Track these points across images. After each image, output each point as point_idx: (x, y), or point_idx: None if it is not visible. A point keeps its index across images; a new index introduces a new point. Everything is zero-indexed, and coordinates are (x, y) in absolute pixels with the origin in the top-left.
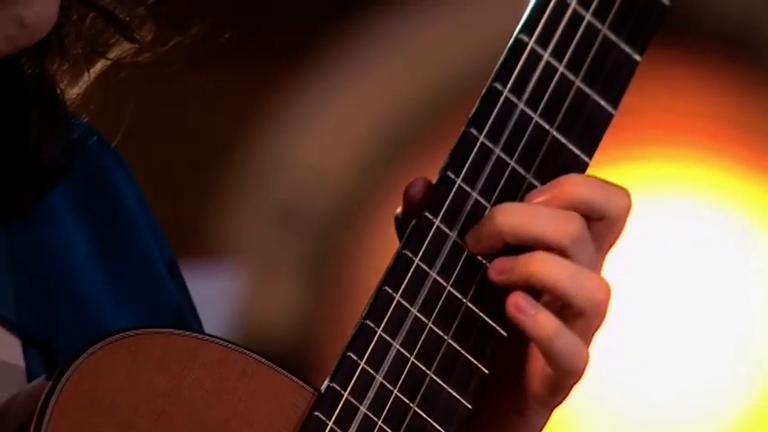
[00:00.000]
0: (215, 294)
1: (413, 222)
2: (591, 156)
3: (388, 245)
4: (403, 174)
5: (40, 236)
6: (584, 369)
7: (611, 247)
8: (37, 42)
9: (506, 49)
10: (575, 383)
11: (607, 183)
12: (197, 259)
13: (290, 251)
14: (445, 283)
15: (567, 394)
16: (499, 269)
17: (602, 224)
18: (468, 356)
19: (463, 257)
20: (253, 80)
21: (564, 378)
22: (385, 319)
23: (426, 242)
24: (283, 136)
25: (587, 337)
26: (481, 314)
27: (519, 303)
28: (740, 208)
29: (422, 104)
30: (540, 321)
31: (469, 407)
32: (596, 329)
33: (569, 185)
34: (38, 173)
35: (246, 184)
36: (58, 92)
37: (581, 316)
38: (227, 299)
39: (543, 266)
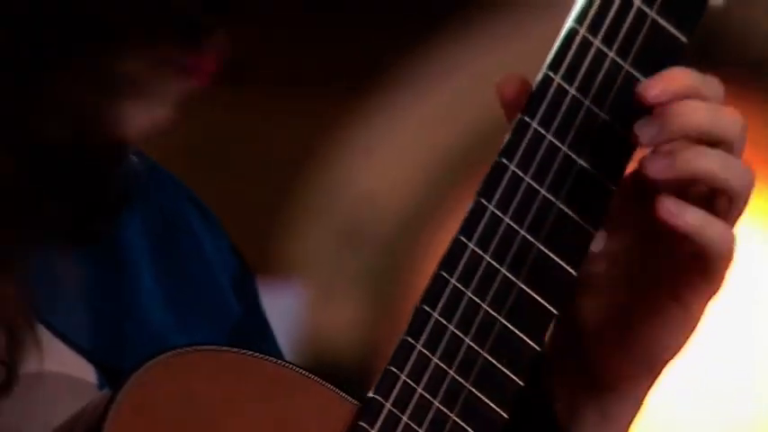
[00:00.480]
0: (282, 311)
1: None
2: (615, 182)
3: None
4: (459, 197)
5: (110, 263)
6: (733, 250)
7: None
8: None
9: (559, 40)
10: (726, 267)
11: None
12: (265, 278)
13: (352, 270)
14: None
15: (721, 282)
16: (659, 168)
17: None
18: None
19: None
20: (320, 107)
21: (717, 263)
22: (424, 335)
23: (481, 227)
24: (347, 160)
25: (732, 222)
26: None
27: (668, 207)
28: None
29: (481, 130)
30: (691, 216)
31: (504, 417)
32: (738, 216)
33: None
34: (108, 201)
35: (312, 207)
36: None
37: (733, 202)
38: (293, 315)
39: (704, 160)
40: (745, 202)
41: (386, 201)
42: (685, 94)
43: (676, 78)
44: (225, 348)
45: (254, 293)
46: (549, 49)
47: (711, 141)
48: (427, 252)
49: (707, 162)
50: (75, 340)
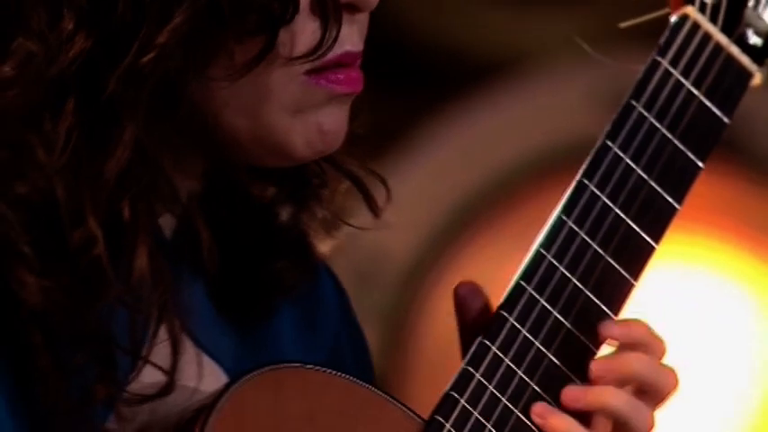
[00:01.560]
0: None
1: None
2: (657, 241)
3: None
4: (460, 246)
5: (263, 332)
6: None
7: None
8: (296, 197)
9: (617, 112)
10: None
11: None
12: None
13: (365, 308)
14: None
15: None
16: (571, 397)
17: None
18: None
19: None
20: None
21: None
22: (482, 368)
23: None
24: (361, 209)
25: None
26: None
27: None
28: (738, 282)
29: (480, 186)
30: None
31: None
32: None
33: (628, 362)
34: (278, 292)
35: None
36: (309, 240)
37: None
38: None
39: (614, 399)
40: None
41: (395, 247)
42: (637, 344)
43: (633, 328)
44: (309, 366)
45: (353, 313)
46: (542, 114)
47: (644, 388)
48: (432, 294)
49: (616, 401)
50: (228, 367)
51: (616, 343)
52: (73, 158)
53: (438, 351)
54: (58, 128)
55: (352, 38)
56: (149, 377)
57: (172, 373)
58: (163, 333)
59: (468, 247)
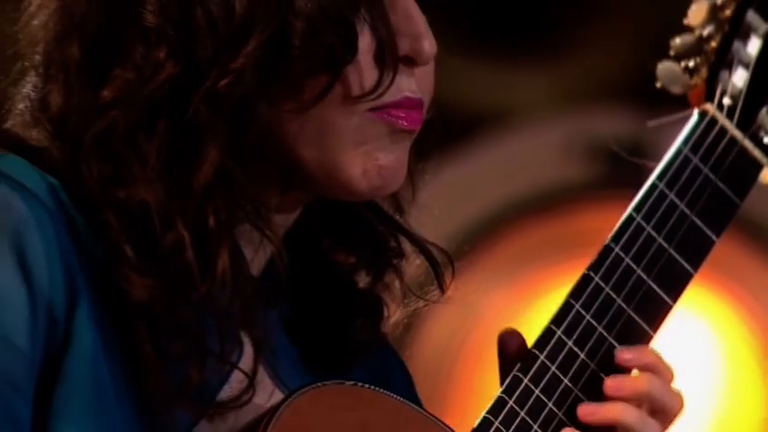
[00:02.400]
0: None
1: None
2: (674, 300)
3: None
4: (460, 267)
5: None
6: None
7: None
8: (375, 267)
9: (643, 190)
10: None
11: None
12: None
13: None
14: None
15: None
16: (585, 412)
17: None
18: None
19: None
20: None
21: None
22: (515, 396)
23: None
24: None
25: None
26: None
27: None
28: (699, 315)
29: (478, 217)
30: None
31: None
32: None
33: (640, 381)
34: (354, 347)
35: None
36: (384, 308)
37: None
38: None
39: (624, 414)
40: None
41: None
42: (647, 368)
43: (645, 354)
44: (361, 384)
45: (414, 388)
46: (522, 162)
47: (655, 407)
48: (428, 310)
49: (628, 416)
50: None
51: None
52: (164, 172)
53: (434, 354)
54: (151, 145)
55: (410, 86)
56: (232, 386)
57: (252, 376)
58: (247, 345)
59: (457, 274)
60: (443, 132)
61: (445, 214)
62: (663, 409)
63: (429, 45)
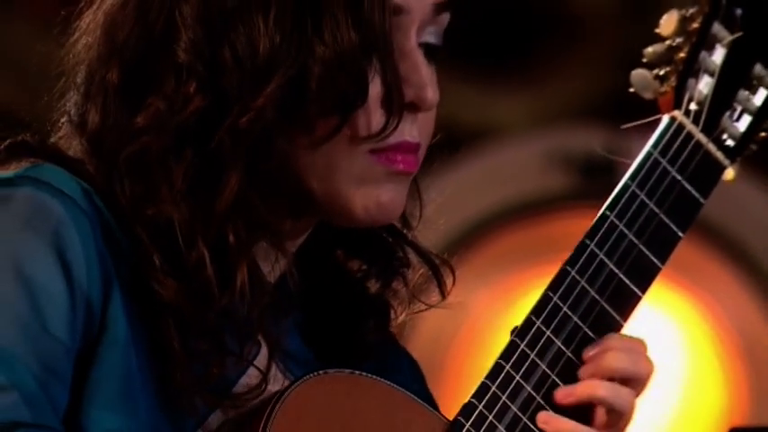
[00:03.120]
0: None
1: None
2: (643, 291)
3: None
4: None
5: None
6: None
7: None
8: (383, 274)
9: (616, 190)
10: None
11: (640, 354)
12: None
13: None
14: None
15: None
16: (562, 395)
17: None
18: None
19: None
20: None
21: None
22: (497, 382)
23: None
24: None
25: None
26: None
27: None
28: (664, 310)
29: (466, 223)
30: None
31: None
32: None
33: (608, 360)
34: (364, 347)
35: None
36: (392, 311)
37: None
38: None
39: (600, 390)
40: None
41: None
42: (611, 350)
43: (607, 342)
44: (357, 372)
45: (424, 379)
46: (503, 174)
47: (624, 377)
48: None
49: (601, 391)
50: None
51: None
52: (189, 194)
53: (427, 346)
54: (179, 169)
55: (411, 131)
56: (247, 380)
57: (266, 372)
58: (263, 346)
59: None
60: (432, 148)
61: (435, 222)
62: (634, 377)
63: (432, 94)
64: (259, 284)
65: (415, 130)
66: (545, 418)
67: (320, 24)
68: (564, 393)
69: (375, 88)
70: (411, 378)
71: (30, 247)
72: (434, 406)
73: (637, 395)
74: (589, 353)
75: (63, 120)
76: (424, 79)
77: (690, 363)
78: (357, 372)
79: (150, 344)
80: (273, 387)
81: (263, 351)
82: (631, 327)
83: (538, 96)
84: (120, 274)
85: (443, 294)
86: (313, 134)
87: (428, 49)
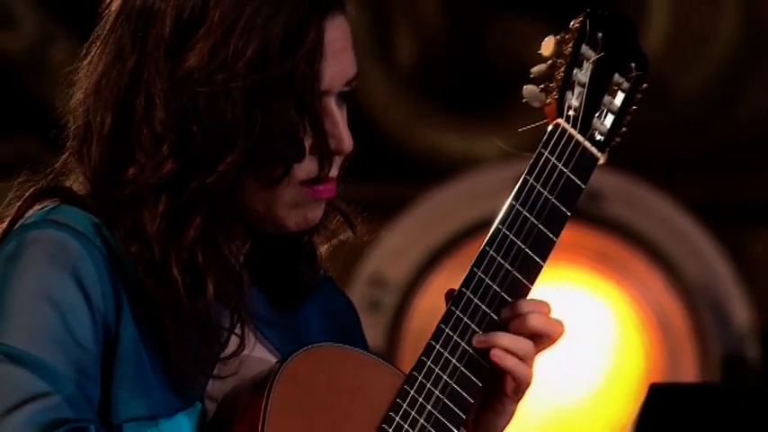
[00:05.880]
0: None
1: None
2: (543, 260)
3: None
4: (439, 269)
5: (300, 318)
6: (530, 382)
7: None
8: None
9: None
10: (526, 389)
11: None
12: None
13: (377, 311)
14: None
15: (522, 395)
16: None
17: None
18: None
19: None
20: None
21: (522, 386)
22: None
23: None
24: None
25: (531, 365)
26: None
27: (498, 354)
28: (595, 296)
29: (451, 235)
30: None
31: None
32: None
33: (531, 320)
34: (304, 290)
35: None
36: (318, 253)
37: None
38: None
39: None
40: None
41: (393, 273)
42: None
43: (518, 305)
44: (339, 345)
45: (353, 305)
46: (480, 195)
47: (536, 335)
48: (415, 301)
49: (499, 341)
50: (277, 347)
51: None
52: (165, 230)
53: (421, 331)
54: (157, 211)
55: (333, 169)
56: (231, 348)
57: (243, 337)
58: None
59: (436, 275)
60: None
61: (431, 231)
62: (545, 335)
63: (348, 143)
64: (227, 291)
65: (335, 169)
66: (479, 338)
67: (270, 106)
68: (479, 340)
69: (308, 143)
70: (347, 316)
71: (56, 278)
72: (366, 345)
73: (540, 350)
74: (506, 314)
75: (67, 155)
76: (343, 133)
77: (618, 336)
78: (338, 345)
79: (154, 338)
80: (251, 351)
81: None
82: (572, 310)
83: (506, 133)
84: (127, 290)
85: (354, 231)
86: (261, 180)
87: (342, 96)
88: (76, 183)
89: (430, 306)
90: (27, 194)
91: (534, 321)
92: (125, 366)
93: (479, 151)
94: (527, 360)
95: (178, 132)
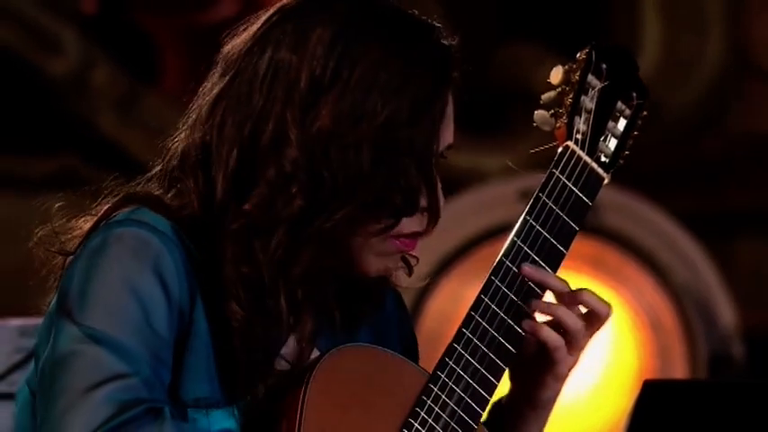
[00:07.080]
0: None
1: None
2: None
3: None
4: (447, 274)
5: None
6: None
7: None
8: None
9: (530, 203)
10: (568, 374)
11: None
12: None
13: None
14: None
15: (562, 385)
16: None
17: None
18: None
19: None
20: None
21: (564, 372)
22: (461, 346)
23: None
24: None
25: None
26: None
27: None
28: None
29: (458, 243)
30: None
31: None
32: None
33: (583, 295)
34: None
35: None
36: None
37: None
38: None
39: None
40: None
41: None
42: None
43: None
44: (372, 346)
45: (413, 330)
46: (487, 206)
47: (588, 311)
48: (426, 303)
49: (561, 313)
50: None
51: None
52: (274, 261)
53: (433, 332)
54: (271, 243)
55: (422, 224)
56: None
57: (302, 353)
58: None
59: (444, 280)
60: None
61: (439, 240)
62: (596, 312)
63: (442, 205)
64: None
65: (424, 224)
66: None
67: (396, 163)
68: (539, 306)
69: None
70: (394, 314)
71: (138, 271)
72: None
73: (591, 333)
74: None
75: (159, 168)
76: (440, 197)
77: (612, 336)
78: (371, 345)
79: (221, 335)
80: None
81: (291, 342)
82: None
83: (512, 150)
84: (201, 286)
85: (409, 275)
86: (367, 230)
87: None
88: (169, 195)
89: (441, 308)
90: (118, 197)
91: (586, 297)
92: (194, 355)
93: (485, 167)
94: (578, 337)
95: (308, 175)
